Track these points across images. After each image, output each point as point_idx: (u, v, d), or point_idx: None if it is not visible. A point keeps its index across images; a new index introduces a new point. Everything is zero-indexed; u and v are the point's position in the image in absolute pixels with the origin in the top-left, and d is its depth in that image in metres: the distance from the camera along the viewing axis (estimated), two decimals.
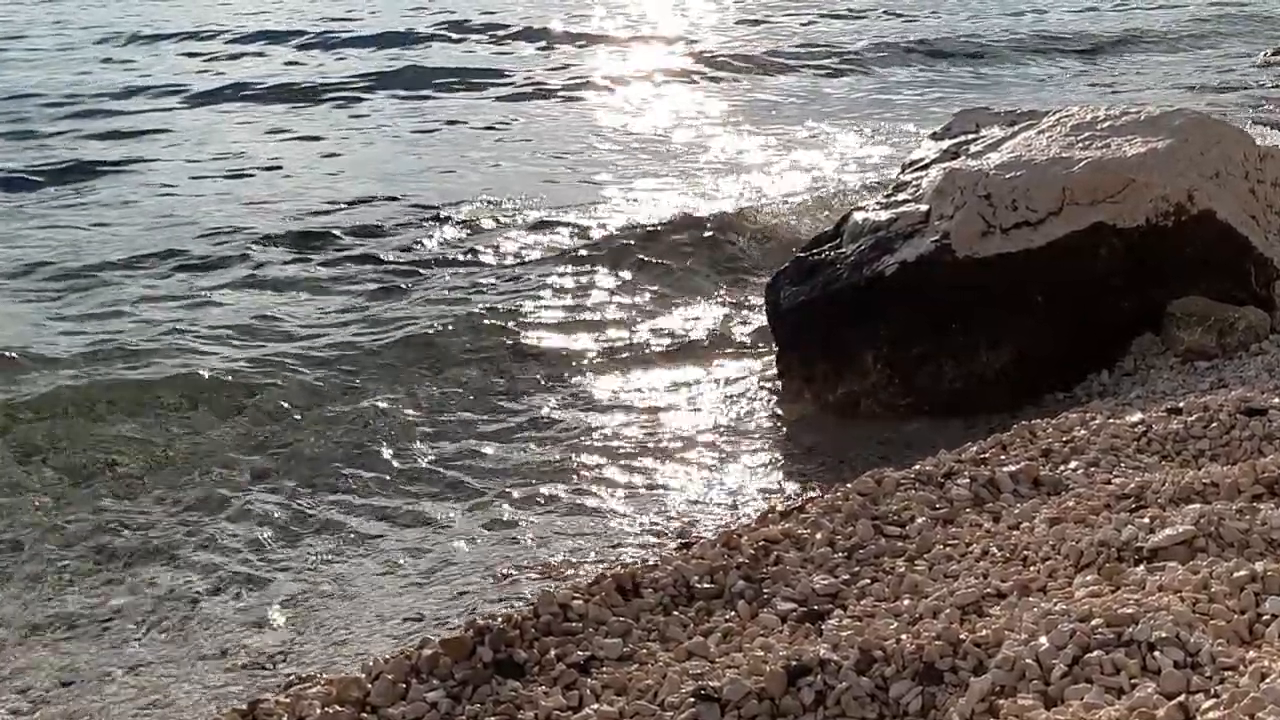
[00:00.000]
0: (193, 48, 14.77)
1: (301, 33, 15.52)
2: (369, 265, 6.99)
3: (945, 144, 5.91)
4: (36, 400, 4.97)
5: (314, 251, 7.15)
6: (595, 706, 2.55)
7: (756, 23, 16.49)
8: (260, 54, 14.54)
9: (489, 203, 8.11)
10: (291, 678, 3.17)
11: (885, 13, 17.23)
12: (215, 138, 10.34)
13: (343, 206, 8.13)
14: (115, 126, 10.52)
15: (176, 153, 9.74)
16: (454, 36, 15.17)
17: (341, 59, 14.00)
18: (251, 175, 9.13)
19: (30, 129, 10.42)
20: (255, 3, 18.32)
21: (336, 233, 7.49)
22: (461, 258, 7.10)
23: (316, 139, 10.33)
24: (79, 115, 10.99)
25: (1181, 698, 2.16)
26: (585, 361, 5.62)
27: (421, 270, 6.91)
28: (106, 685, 3.33)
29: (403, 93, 12.06)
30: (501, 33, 15.38)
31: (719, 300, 6.32)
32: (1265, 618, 2.40)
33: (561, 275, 6.83)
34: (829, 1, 17.95)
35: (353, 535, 4.18)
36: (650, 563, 3.19)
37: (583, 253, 7.18)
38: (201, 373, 5.29)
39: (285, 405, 5.07)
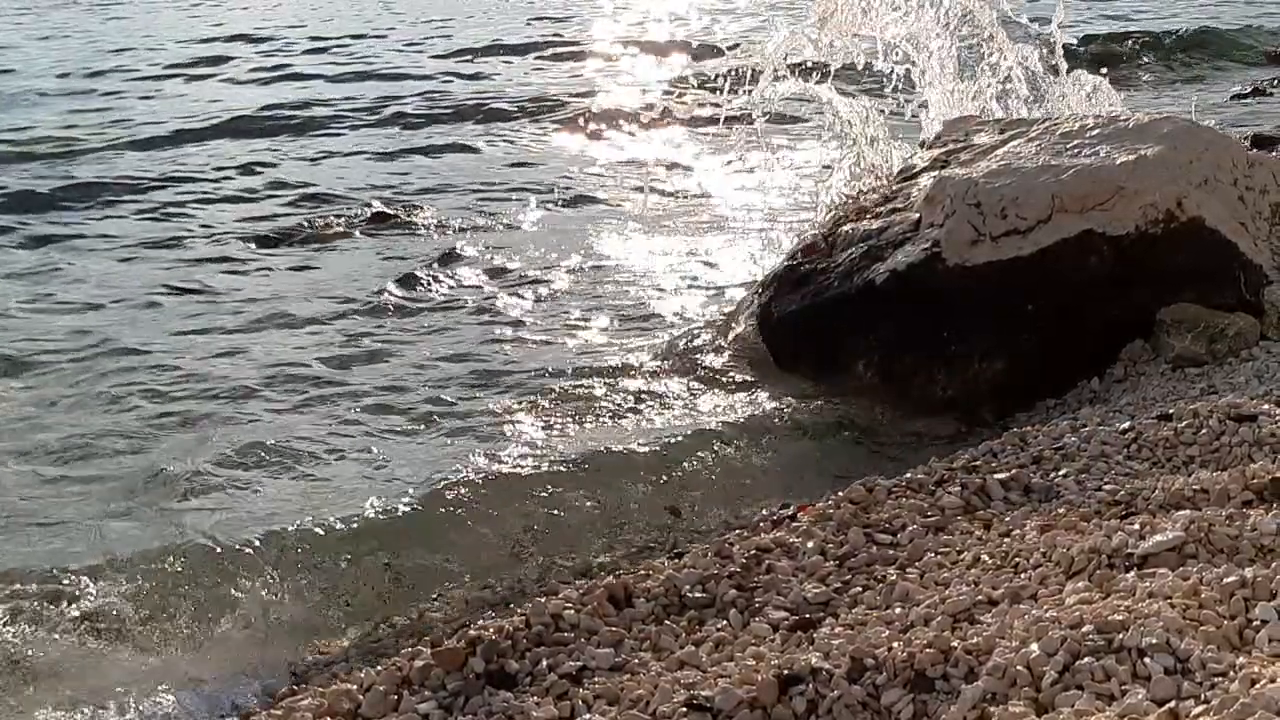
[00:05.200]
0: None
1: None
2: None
3: (935, 152, 5.93)
4: None
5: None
6: (587, 717, 2.55)
7: None
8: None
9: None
10: (284, 690, 3.16)
11: None
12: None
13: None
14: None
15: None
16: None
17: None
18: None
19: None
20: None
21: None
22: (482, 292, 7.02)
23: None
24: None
25: (1172, 704, 2.17)
26: (575, 372, 5.61)
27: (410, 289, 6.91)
28: None
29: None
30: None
31: (709, 310, 6.32)
32: (1255, 624, 2.41)
33: (553, 287, 6.85)
34: None
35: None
36: (642, 572, 3.19)
37: (572, 263, 7.20)
38: None
39: None
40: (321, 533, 4.02)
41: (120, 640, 3.49)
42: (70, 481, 4.55)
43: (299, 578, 3.80)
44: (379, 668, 2.86)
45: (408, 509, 4.19)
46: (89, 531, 4.14)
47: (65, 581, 3.71)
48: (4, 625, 3.46)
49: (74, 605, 3.60)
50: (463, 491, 4.32)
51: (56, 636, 3.46)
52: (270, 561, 3.86)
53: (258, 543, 3.95)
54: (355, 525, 4.08)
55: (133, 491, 4.45)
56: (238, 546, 3.93)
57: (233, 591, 3.72)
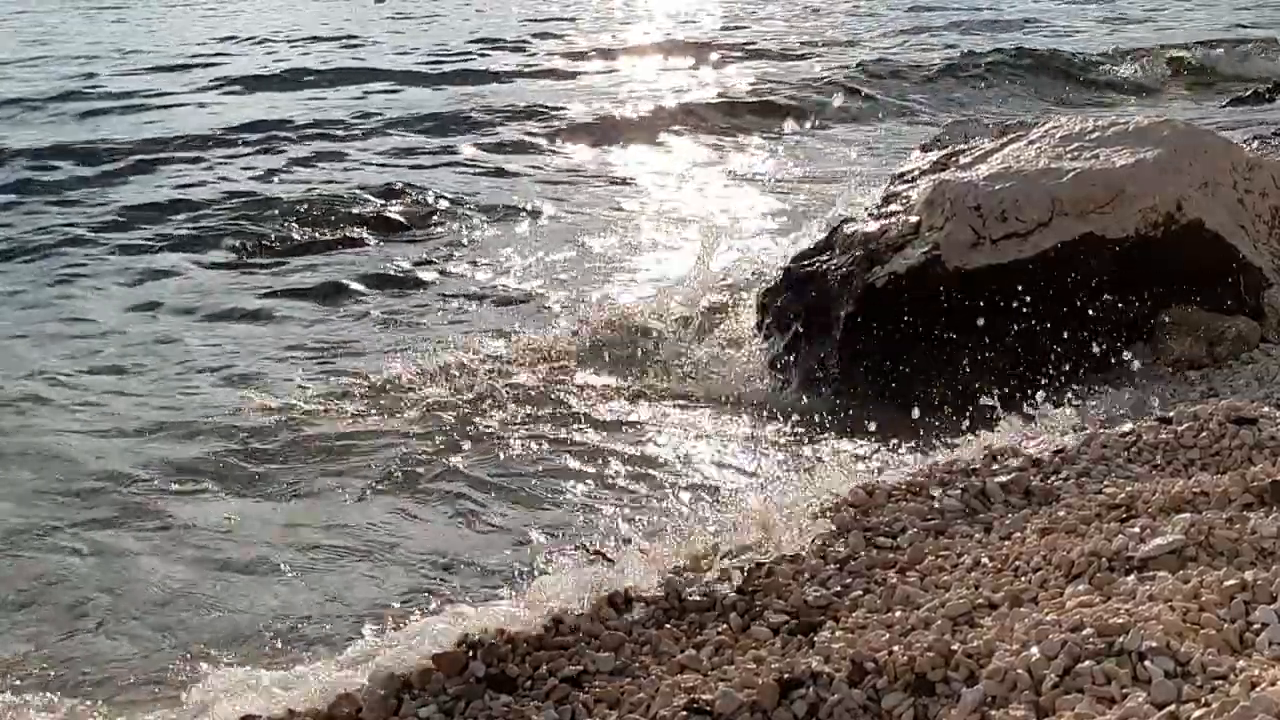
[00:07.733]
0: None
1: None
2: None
3: (935, 155, 5.93)
4: None
5: None
6: None
7: None
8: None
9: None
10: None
11: None
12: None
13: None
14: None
15: None
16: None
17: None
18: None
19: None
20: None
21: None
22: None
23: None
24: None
25: (1172, 707, 2.17)
26: (574, 376, 5.61)
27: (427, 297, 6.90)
28: None
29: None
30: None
31: (710, 313, 6.32)
32: (1255, 626, 2.41)
33: (554, 293, 6.87)
34: None
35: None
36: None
37: (569, 270, 7.22)
38: None
39: None
40: None
41: None
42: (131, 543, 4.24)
43: None
44: (380, 673, 2.86)
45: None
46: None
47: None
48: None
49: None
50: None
51: None
52: None
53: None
54: None
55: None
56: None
57: None
